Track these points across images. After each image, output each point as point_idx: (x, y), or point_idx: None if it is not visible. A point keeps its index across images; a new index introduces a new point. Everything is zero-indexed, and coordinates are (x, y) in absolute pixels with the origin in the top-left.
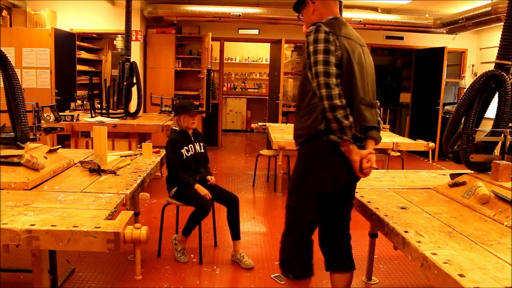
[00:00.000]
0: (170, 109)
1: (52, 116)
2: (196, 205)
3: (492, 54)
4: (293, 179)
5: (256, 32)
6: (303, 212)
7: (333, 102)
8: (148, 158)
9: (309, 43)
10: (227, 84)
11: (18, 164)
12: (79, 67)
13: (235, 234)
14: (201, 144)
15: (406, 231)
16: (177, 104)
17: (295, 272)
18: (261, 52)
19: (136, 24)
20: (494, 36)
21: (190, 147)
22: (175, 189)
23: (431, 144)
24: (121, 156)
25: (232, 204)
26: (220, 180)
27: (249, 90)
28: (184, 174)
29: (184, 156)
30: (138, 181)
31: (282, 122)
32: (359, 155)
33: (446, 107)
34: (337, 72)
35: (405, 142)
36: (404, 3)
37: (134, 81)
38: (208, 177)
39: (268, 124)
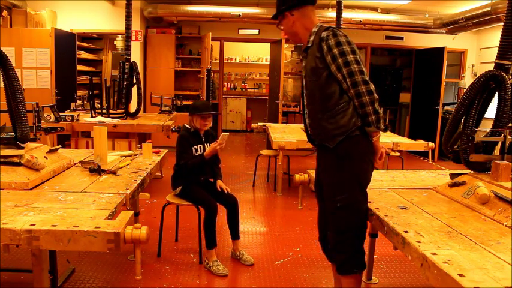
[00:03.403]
0: (170, 109)
1: (52, 116)
2: (203, 204)
3: (492, 54)
4: (338, 181)
5: (256, 32)
6: (359, 207)
7: (373, 96)
8: (148, 158)
9: (330, 46)
10: (227, 84)
11: (18, 164)
12: (79, 67)
13: (235, 234)
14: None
15: (406, 231)
16: (191, 104)
17: (361, 264)
18: (261, 52)
19: (136, 24)
20: (494, 36)
21: (200, 147)
22: (180, 188)
23: (431, 144)
24: (121, 156)
25: (231, 206)
26: None
27: (249, 90)
28: (189, 162)
29: (193, 155)
30: (138, 181)
31: (282, 122)
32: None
33: (446, 107)
34: None
35: (405, 142)
36: (404, 3)
37: (134, 81)
38: (219, 186)
39: (268, 124)
